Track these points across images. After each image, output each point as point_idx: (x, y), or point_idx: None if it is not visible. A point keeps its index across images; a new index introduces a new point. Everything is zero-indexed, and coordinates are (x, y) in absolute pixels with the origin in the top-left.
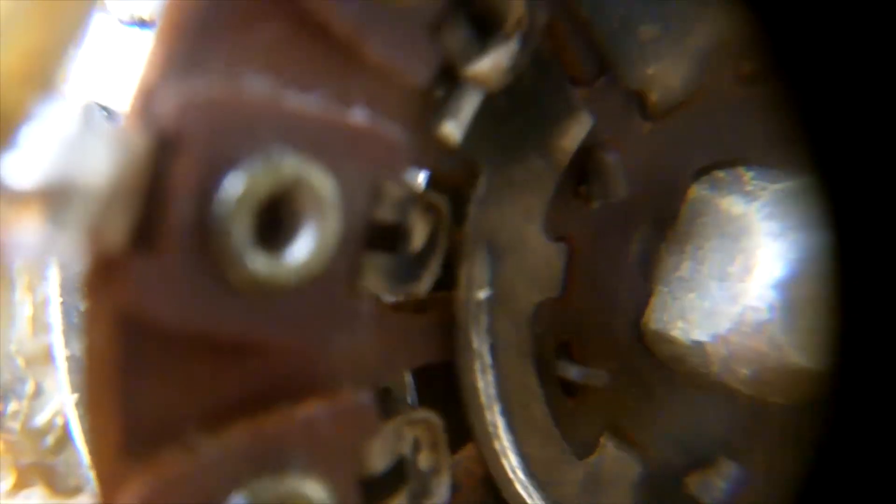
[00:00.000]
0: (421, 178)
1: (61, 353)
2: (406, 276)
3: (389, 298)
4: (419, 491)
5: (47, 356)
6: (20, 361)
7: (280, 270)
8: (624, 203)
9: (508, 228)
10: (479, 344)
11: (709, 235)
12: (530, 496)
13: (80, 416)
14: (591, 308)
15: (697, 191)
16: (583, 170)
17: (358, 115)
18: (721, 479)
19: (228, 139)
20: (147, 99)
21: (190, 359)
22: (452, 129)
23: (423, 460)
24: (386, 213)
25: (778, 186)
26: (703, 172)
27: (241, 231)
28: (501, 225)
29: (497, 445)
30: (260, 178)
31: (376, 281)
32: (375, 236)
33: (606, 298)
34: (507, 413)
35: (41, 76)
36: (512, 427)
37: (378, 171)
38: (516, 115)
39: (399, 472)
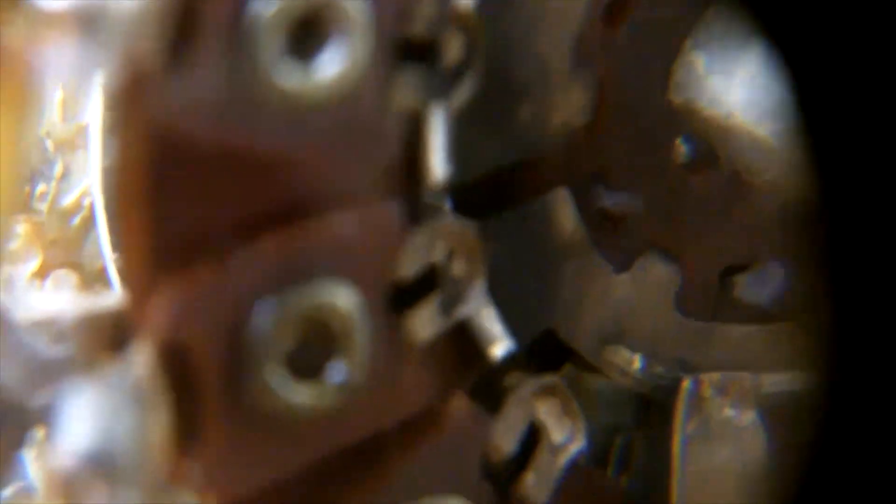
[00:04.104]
0: None
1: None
2: (440, 88)
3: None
4: (451, 297)
5: (76, 139)
6: (49, 144)
7: (310, 86)
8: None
9: None
10: None
11: None
12: None
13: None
14: (623, 133)
15: None
16: None
17: None
18: (766, 279)
19: None
20: None
21: (219, 173)
22: None
23: (457, 268)
24: (418, 31)
25: None
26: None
27: (272, 47)
28: None
29: None
30: None
31: (409, 94)
32: (408, 53)
33: (639, 119)
34: None
35: None
36: None
37: None
38: None
39: (431, 280)
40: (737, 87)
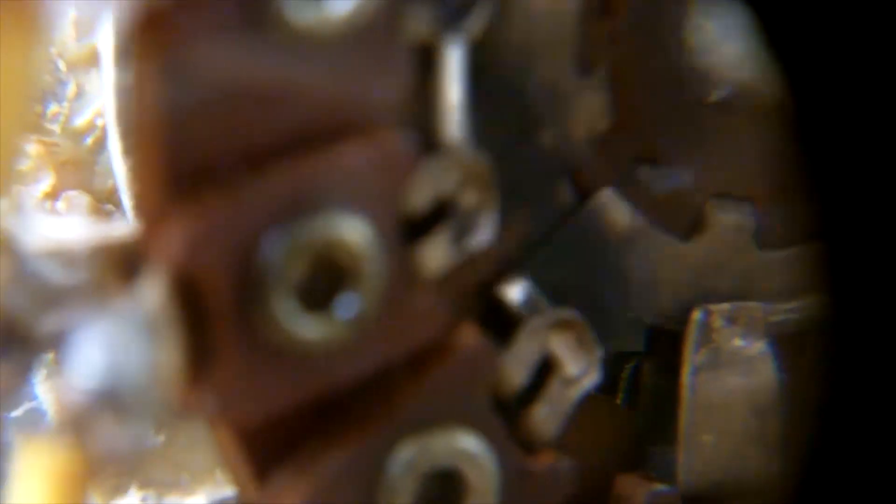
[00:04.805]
0: None
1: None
2: (453, 19)
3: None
4: (462, 228)
5: (90, 59)
6: (62, 65)
7: (322, 20)
8: None
9: None
10: None
11: None
12: None
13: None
14: (655, 108)
15: None
16: None
17: None
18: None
19: None
20: None
21: (232, 104)
22: None
23: (468, 199)
24: None
25: None
26: None
27: None
28: None
29: None
30: None
31: (422, 25)
32: None
33: (666, 89)
34: None
35: None
36: None
37: None
38: None
39: (442, 211)
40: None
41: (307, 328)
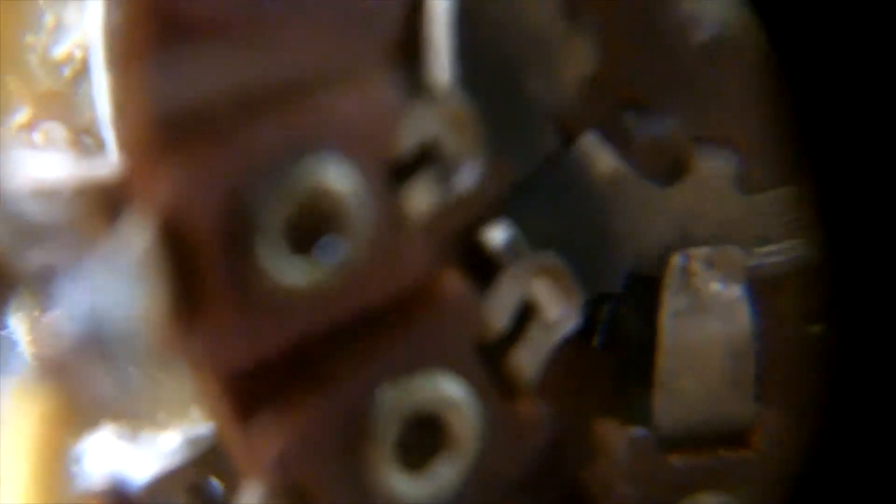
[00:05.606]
0: None
1: None
2: None
3: None
4: (447, 172)
5: None
6: None
7: None
8: None
9: None
10: None
11: None
12: None
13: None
14: (640, 55)
15: None
16: None
17: None
18: None
19: None
20: None
21: (220, 51)
22: None
23: (453, 143)
24: None
25: None
26: None
27: None
28: None
29: None
30: None
31: None
32: None
33: (654, 34)
34: None
35: None
36: None
37: None
38: None
39: (427, 155)
40: None
41: (294, 273)
